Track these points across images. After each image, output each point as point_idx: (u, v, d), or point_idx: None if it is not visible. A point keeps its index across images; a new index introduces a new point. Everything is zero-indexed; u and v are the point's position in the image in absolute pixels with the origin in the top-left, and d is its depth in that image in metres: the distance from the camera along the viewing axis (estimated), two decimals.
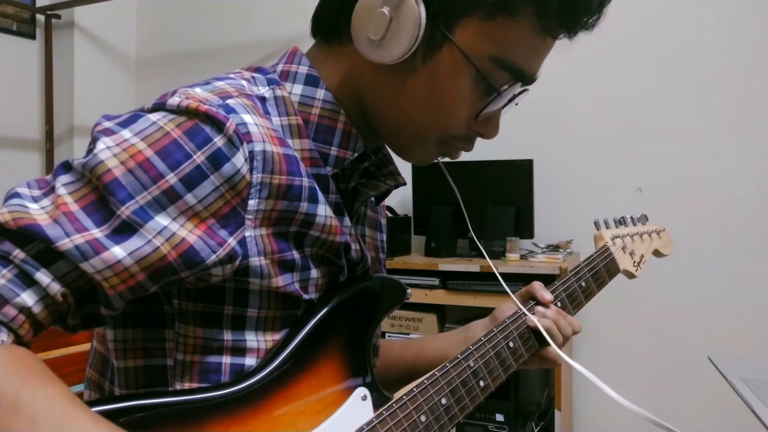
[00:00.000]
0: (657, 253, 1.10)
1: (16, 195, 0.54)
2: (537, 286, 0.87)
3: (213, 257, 0.56)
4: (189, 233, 0.55)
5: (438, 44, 0.62)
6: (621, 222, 1.04)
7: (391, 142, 0.71)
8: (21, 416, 0.45)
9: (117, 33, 3.35)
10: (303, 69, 0.67)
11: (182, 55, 3.31)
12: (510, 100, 0.67)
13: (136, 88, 3.43)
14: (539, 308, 0.85)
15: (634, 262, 1.02)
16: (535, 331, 0.82)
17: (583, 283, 0.91)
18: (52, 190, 0.54)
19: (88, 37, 3.21)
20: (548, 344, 0.81)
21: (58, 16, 3.13)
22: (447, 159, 0.73)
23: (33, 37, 3.16)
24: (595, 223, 1.01)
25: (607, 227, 1.01)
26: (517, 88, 0.66)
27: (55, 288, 0.52)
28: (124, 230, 0.53)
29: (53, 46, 3.14)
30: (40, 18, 3.14)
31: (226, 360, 0.62)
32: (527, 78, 0.66)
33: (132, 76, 3.43)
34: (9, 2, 2.97)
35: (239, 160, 0.56)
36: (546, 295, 0.86)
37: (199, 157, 0.55)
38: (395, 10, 0.59)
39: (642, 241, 1.05)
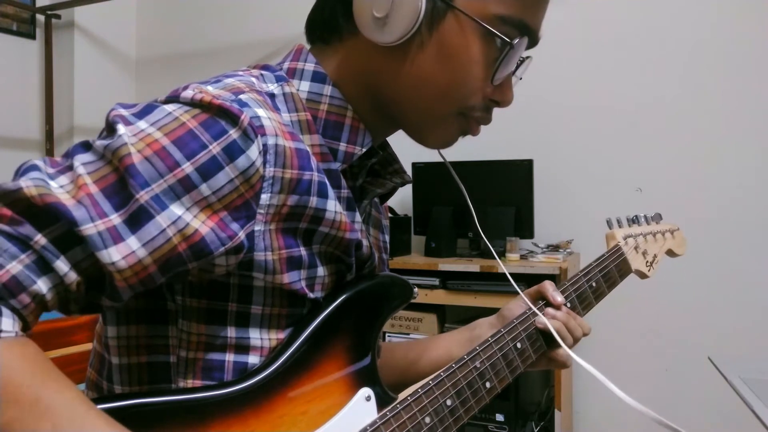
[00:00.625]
0: (670, 253, 1.08)
1: (35, 168, 0.53)
2: (548, 287, 0.86)
3: (221, 249, 0.56)
4: (202, 224, 0.55)
5: (441, 14, 0.63)
6: (634, 221, 1.02)
7: (410, 126, 0.70)
8: (43, 420, 0.46)
9: (117, 33, 3.35)
10: (309, 66, 0.67)
11: (182, 55, 3.31)
12: (518, 66, 0.68)
13: (136, 88, 3.43)
14: (549, 309, 0.84)
15: (647, 261, 1.00)
16: (543, 332, 0.82)
17: (594, 284, 0.90)
18: (70, 168, 0.53)
19: (88, 37, 3.21)
20: (557, 346, 0.81)
21: (58, 16, 3.12)
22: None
23: (33, 37, 3.16)
24: (607, 221, 0.99)
25: (620, 226, 0.99)
26: (525, 44, 0.66)
27: (72, 277, 0.51)
28: (140, 216, 0.53)
29: (53, 46, 3.14)
30: (40, 18, 3.14)
31: (230, 358, 0.62)
32: (532, 34, 0.66)
33: (132, 76, 3.43)
34: (9, 2, 2.96)
35: (254, 153, 0.57)
36: (557, 297, 0.85)
37: (215, 148, 0.55)
38: None
39: (655, 241, 1.03)
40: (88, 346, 1.21)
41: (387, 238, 0.84)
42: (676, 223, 1.16)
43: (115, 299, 0.55)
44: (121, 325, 0.63)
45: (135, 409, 0.54)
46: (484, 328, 0.88)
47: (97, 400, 0.53)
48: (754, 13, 2.26)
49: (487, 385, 0.73)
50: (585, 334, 0.86)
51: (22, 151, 3.09)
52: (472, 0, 0.63)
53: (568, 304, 0.86)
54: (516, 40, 0.64)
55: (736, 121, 2.29)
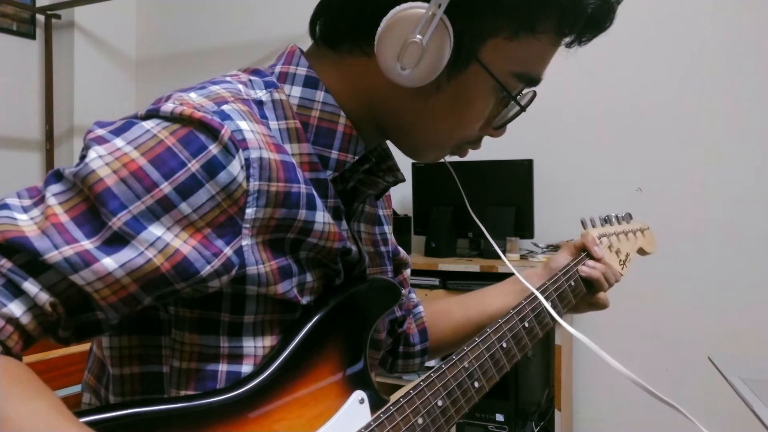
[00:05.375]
0: (641, 252, 1.10)
1: (5, 207, 0.53)
2: (590, 241, 0.95)
3: (208, 268, 0.55)
4: (183, 243, 0.54)
5: (464, 64, 0.63)
6: (606, 220, 1.04)
7: (407, 147, 0.71)
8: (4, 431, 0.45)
9: (117, 33, 3.35)
10: (302, 70, 0.65)
11: (182, 55, 3.31)
12: (523, 107, 0.70)
13: (136, 88, 3.43)
14: (590, 261, 0.94)
15: (620, 260, 1.02)
16: (585, 280, 0.93)
17: (573, 283, 0.92)
18: (43, 199, 0.53)
19: (88, 37, 3.21)
20: (596, 291, 0.95)
21: (58, 16, 3.13)
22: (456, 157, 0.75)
23: (33, 37, 3.17)
24: (582, 222, 1.01)
25: (594, 226, 1.01)
26: (531, 95, 0.70)
27: (44, 298, 0.51)
28: (116, 241, 0.52)
29: (53, 46, 3.14)
30: (40, 18, 3.15)
31: (223, 368, 0.61)
32: (538, 83, 0.68)
33: (132, 76, 3.43)
34: (9, 2, 2.97)
35: (235, 168, 0.55)
36: (598, 251, 0.95)
37: (194, 165, 0.54)
38: (429, 38, 0.59)
39: (627, 240, 1.06)
40: (88, 346, 1.21)
41: (386, 228, 0.83)
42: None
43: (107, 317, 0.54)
44: (114, 335, 0.63)
45: (129, 419, 0.54)
46: (532, 280, 0.89)
47: (92, 411, 0.52)
48: (754, 13, 2.26)
49: (476, 384, 0.73)
50: (617, 281, 0.97)
51: (22, 151, 3.10)
52: (494, 56, 0.63)
53: (549, 302, 0.86)
54: (526, 102, 0.68)
55: (736, 120, 2.28)
